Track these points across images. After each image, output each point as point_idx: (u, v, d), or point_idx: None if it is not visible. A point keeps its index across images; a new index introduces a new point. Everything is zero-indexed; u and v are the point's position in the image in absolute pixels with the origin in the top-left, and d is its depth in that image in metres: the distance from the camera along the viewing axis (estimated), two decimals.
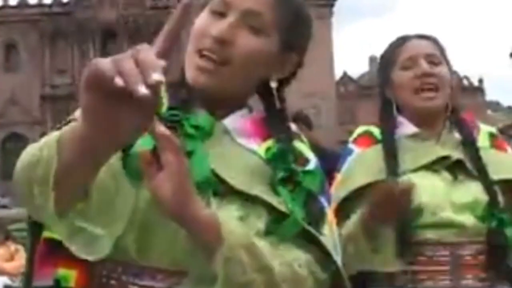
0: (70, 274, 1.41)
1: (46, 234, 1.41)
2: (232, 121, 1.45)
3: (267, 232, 1.36)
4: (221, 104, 1.44)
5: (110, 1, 53.34)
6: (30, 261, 1.46)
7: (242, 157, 1.42)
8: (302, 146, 1.50)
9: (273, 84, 1.48)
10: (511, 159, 2.27)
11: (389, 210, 1.99)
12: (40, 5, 55.76)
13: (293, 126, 1.53)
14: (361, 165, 2.21)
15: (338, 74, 58.50)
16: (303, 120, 6.19)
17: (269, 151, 1.43)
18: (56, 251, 1.39)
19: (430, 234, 2.11)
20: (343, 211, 2.09)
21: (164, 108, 1.10)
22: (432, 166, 2.16)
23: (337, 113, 54.08)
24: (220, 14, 1.40)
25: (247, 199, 1.36)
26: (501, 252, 2.12)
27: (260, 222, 1.36)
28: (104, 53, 53.52)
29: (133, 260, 1.35)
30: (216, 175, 1.35)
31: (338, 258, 1.41)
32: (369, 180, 2.14)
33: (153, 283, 1.35)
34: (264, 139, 1.45)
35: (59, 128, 1.39)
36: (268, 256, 1.30)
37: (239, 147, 1.43)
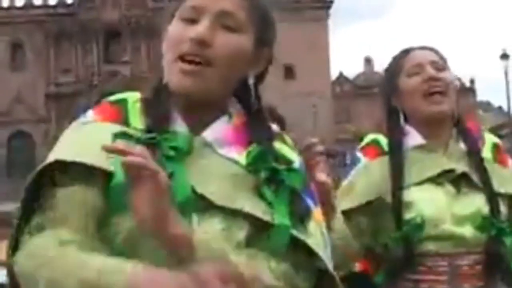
0: None
1: None
2: (213, 132, 1.43)
3: (248, 244, 1.36)
4: (205, 109, 1.44)
5: (113, 2, 53.26)
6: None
7: (223, 168, 1.41)
8: (284, 148, 1.49)
9: (251, 81, 1.47)
10: (510, 174, 2.27)
11: None
12: (45, 6, 55.68)
13: (274, 127, 1.52)
14: (367, 178, 2.21)
15: (334, 74, 58.41)
16: (277, 119, 6.12)
17: (249, 155, 1.41)
18: None
19: (431, 246, 2.13)
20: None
21: None
22: (437, 179, 2.17)
23: (333, 112, 54.03)
24: (191, 21, 1.40)
25: (229, 212, 1.35)
26: (499, 260, 2.13)
27: (241, 233, 1.36)
28: (107, 53, 53.56)
29: None
30: (198, 193, 1.35)
31: (327, 257, 1.40)
32: (372, 197, 2.17)
33: None
34: (246, 145, 1.43)
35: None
36: (243, 269, 1.29)
37: (220, 158, 1.42)
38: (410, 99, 2.22)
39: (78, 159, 1.34)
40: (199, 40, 1.37)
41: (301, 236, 1.37)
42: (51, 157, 1.37)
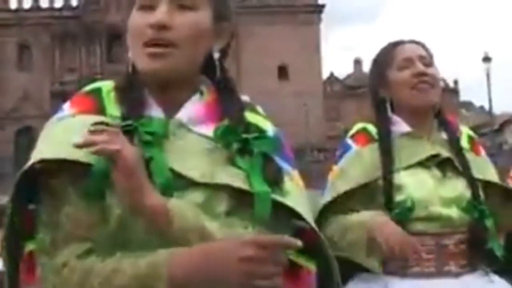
0: None
1: (30, 247, 1.39)
2: (187, 111, 1.43)
3: (230, 215, 1.36)
4: (177, 89, 1.43)
5: (116, 5, 53.12)
6: (12, 277, 1.42)
7: (199, 146, 1.40)
8: (256, 117, 1.48)
9: (216, 55, 1.46)
10: (485, 163, 2.33)
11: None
12: (51, 8, 55.55)
13: (245, 97, 1.52)
14: (359, 164, 2.23)
15: (325, 74, 58.43)
16: None
17: (217, 130, 1.40)
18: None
19: (420, 226, 2.15)
20: (337, 201, 2.17)
21: None
22: (425, 163, 2.20)
23: (324, 111, 54.08)
24: (149, 7, 1.39)
25: (210, 188, 1.35)
26: (481, 240, 2.16)
27: (221, 206, 1.36)
28: (110, 53, 53.49)
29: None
30: (177, 173, 1.34)
31: (307, 214, 1.41)
32: (367, 180, 2.18)
33: None
34: (218, 121, 1.42)
35: None
36: (218, 236, 1.29)
37: (195, 136, 1.41)
38: (399, 91, 2.24)
39: (59, 156, 1.32)
40: (160, 25, 1.37)
41: (279, 198, 1.37)
42: (36, 156, 1.36)
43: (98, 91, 1.45)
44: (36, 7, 55.49)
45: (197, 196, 1.35)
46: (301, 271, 1.45)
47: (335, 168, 2.26)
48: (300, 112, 50.37)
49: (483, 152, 2.36)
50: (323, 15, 55.35)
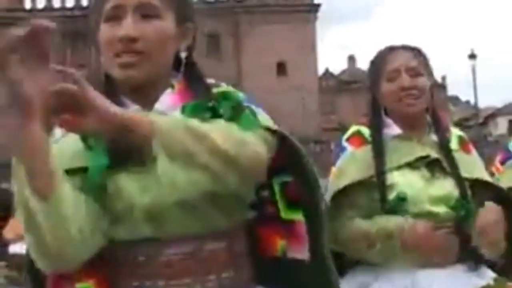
0: (88, 285, 1.40)
1: None
2: (162, 103, 1.44)
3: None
4: (150, 89, 1.43)
5: None
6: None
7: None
8: (222, 88, 1.50)
9: (183, 54, 1.48)
10: (474, 161, 2.33)
11: None
12: (63, 8, 55.54)
13: (211, 80, 1.53)
14: (354, 164, 2.25)
15: (321, 70, 58.30)
16: None
17: (184, 110, 1.42)
18: (67, 274, 1.39)
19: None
20: (335, 200, 2.18)
21: None
22: (414, 164, 2.21)
23: (320, 105, 53.96)
24: (115, 19, 1.39)
25: None
26: (466, 236, 2.16)
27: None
28: None
29: (157, 238, 1.36)
30: None
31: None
32: (361, 177, 2.20)
33: (179, 249, 1.37)
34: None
35: None
36: (204, 127, 1.31)
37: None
38: (388, 101, 2.26)
39: (64, 167, 1.32)
40: (127, 38, 1.37)
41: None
42: None
43: None
44: (49, 7, 55.47)
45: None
46: (295, 225, 1.48)
47: (334, 169, 2.29)
48: (297, 106, 50.31)
49: (473, 151, 2.36)
50: (319, 14, 55.20)
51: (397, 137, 2.26)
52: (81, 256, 1.32)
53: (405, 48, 2.30)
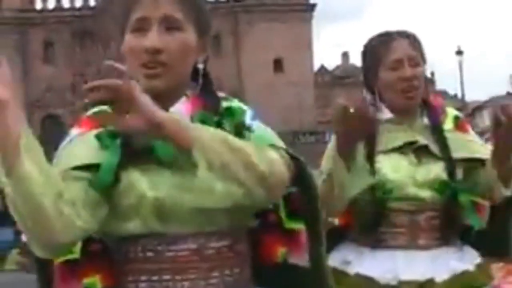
0: (94, 280, 1.40)
1: (57, 260, 1.40)
2: (176, 109, 1.43)
3: None
4: (170, 97, 1.43)
5: None
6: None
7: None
8: (230, 102, 1.50)
9: (201, 66, 1.47)
10: (470, 140, 2.23)
11: (355, 130, 1.90)
12: (72, 8, 55.26)
13: (222, 94, 1.53)
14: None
15: (316, 66, 58.20)
16: None
17: (194, 116, 1.43)
18: (74, 269, 1.39)
19: (394, 204, 2.12)
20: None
21: None
22: (401, 149, 2.16)
23: (315, 99, 53.91)
24: (141, 30, 1.39)
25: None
26: (454, 216, 2.13)
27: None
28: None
29: (164, 233, 1.36)
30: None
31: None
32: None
33: (185, 245, 1.37)
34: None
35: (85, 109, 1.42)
36: (239, 141, 1.34)
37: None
38: (388, 90, 2.18)
39: (76, 163, 1.34)
40: (153, 50, 1.37)
41: None
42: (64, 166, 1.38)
43: (99, 112, 1.46)
44: (59, 8, 55.17)
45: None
46: (297, 234, 1.48)
47: (327, 151, 2.23)
48: (293, 100, 50.24)
49: (469, 130, 2.27)
50: (315, 14, 55.07)
51: (388, 121, 2.20)
52: (70, 234, 1.29)
53: (402, 35, 2.19)
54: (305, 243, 1.48)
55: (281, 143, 1.45)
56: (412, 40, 2.19)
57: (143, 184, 1.35)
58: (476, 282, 2.13)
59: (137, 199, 1.35)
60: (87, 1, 55.64)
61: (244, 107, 1.50)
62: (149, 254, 1.37)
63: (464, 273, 2.13)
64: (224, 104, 1.48)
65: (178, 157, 1.34)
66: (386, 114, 2.21)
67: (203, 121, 1.41)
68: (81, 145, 1.39)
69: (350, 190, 1.98)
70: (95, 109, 1.46)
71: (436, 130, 2.19)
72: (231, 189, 1.32)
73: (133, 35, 1.41)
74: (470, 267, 2.16)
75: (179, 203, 1.35)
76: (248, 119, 1.46)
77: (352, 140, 1.92)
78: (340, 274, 2.10)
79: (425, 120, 2.22)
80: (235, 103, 1.50)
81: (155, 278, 1.37)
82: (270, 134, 1.47)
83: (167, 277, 1.36)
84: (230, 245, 1.41)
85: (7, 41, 51.44)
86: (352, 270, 2.15)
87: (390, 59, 2.15)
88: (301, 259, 1.48)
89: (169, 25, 1.39)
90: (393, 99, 2.19)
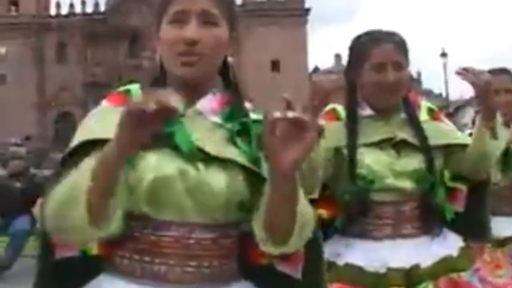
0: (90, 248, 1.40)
1: None
2: (203, 104, 1.44)
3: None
4: (201, 87, 1.44)
5: (137, 10, 52.68)
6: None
7: (212, 129, 1.42)
8: (255, 115, 1.50)
9: (230, 59, 1.49)
10: (446, 127, 2.24)
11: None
12: (83, 14, 55.20)
13: (249, 104, 1.53)
14: (327, 133, 2.15)
15: (310, 67, 58.05)
16: None
17: (223, 113, 1.44)
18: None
19: (379, 197, 2.10)
20: None
21: None
22: (380, 144, 2.14)
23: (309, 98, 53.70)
24: (179, 22, 1.39)
25: (219, 160, 1.37)
26: (431, 207, 2.14)
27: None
28: (132, 50, 53.15)
29: (151, 218, 1.35)
30: (196, 146, 1.37)
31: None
32: (331, 145, 2.11)
33: (168, 233, 1.35)
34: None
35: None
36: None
37: (209, 123, 1.43)
38: (369, 90, 2.16)
39: (102, 136, 1.31)
40: (192, 41, 1.37)
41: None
42: (78, 138, 1.37)
43: (128, 90, 1.47)
44: (71, 13, 55.15)
45: (214, 167, 1.37)
46: (298, 252, 1.45)
47: None
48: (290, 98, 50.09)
49: (443, 118, 2.28)
50: (309, 18, 54.97)
51: (368, 117, 2.18)
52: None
53: (389, 40, 2.14)
54: (300, 260, 1.45)
55: None
56: (398, 45, 2.14)
57: (148, 165, 1.34)
58: (458, 266, 2.12)
59: (135, 180, 1.34)
60: (98, 7, 55.55)
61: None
62: (136, 234, 1.37)
63: (447, 258, 2.12)
64: (253, 116, 1.48)
65: (194, 152, 1.35)
66: (366, 110, 2.20)
67: (231, 117, 1.43)
68: (107, 118, 1.36)
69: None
70: (124, 87, 1.48)
71: (414, 123, 2.18)
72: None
73: (171, 26, 1.41)
74: (453, 252, 2.15)
75: (175, 189, 1.34)
76: None
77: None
78: (330, 265, 2.07)
79: (403, 115, 2.21)
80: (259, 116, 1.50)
81: (136, 257, 1.36)
82: None
83: (147, 258, 1.36)
84: (215, 238, 1.38)
85: (24, 43, 51.43)
86: (341, 261, 2.13)
87: (374, 62, 2.12)
88: (292, 271, 1.46)
89: (206, 19, 1.40)
90: (373, 99, 2.18)
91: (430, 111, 2.26)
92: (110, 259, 1.40)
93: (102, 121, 1.38)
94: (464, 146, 2.19)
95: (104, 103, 1.45)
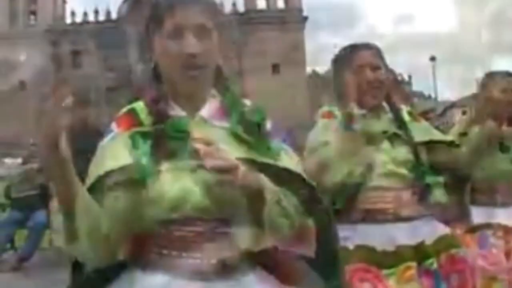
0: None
1: None
2: (206, 111, 1.44)
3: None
4: (199, 97, 1.45)
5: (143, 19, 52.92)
6: None
7: (221, 134, 1.41)
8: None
9: (220, 61, 1.47)
10: (425, 127, 2.34)
11: None
12: (96, 22, 55.49)
13: (247, 101, 1.53)
14: (326, 129, 2.21)
15: (308, 71, 58.04)
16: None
17: (232, 121, 1.44)
18: None
19: (381, 182, 2.14)
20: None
21: None
22: (376, 138, 2.20)
23: (308, 99, 53.83)
24: (177, 36, 1.38)
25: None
26: (422, 193, 2.17)
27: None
28: (141, 55, 53.20)
29: (175, 218, 1.35)
30: None
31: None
32: (331, 138, 2.12)
33: (194, 228, 1.35)
34: (227, 115, 1.46)
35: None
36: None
37: (218, 129, 1.43)
38: (353, 91, 2.15)
39: (120, 164, 1.34)
40: (193, 54, 1.37)
41: (281, 164, 1.43)
42: (100, 169, 1.37)
43: (133, 110, 1.46)
44: (85, 21, 55.50)
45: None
46: (309, 231, 1.45)
47: (311, 142, 2.23)
48: (288, 101, 50.19)
49: (422, 120, 2.39)
50: (307, 24, 55.03)
51: (362, 115, 2.19)
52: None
53: (366, 47, 2.28)
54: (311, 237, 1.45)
55: (299, 168, 1.46)
56: (374, 51, 2.27)
57: (166, 181, 1.34)
58: (455, 243, 2.20)
59: (157, 195, 1.34)
60: (110, 16, 55.67)
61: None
62: (162, 231, 1.36)
63: (445, 236, 2.18)
64: (247, 107, 1.49)
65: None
66: (358, 110, 2.20)
67: (233, 105, 1.45)
68: (122, 146, 1.38)
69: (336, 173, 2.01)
70: (129, 107, 1.47)
71: (399, 121, 2.27)
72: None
73: (169, 40, 1.40)
74: (448, 231, 2.22)
75: (196, 196, 1.34)
76: (277, 140, 1.46)
77: None
78: (341, 250, 2.09)
79: (389, 114, 2.30)
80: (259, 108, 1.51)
81: (165, 252, 1.36)
82: (292, 159, 1.48)
83: (175, 253, 1.35)
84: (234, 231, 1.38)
85: (41, 49, 51.55)
86: (352, 244, 2.13)
87: (355, 65, 2.22)
88: (305, 250, 1.45)
89: (202, 32, 1.39)
90: (359, 100, 2.18)
91: (410, 113, 2.36)
92: (138, 256, 1.39)
93: (113, 152, 1.38)
94: (442, 142, 2.32)
95: (114, 127, 1.44)
